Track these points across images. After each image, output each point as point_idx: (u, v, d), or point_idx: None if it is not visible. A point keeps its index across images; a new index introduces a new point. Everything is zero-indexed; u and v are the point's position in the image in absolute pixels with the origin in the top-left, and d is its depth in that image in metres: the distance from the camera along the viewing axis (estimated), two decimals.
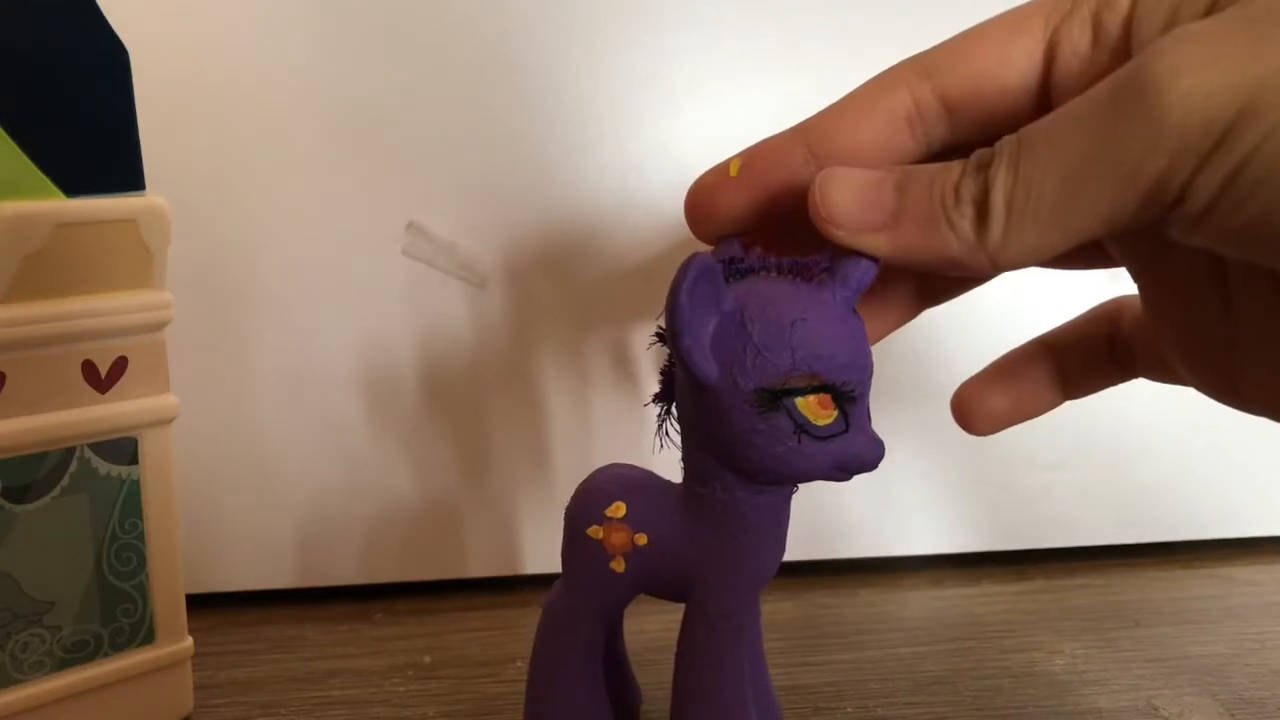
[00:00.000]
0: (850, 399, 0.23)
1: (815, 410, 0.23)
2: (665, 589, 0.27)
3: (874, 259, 0.23)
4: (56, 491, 0.28)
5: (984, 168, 0.21)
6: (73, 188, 0.28)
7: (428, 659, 0.36)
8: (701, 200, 0.25)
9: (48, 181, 0.28)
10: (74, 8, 0.28)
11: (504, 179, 0.40)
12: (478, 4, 0.39)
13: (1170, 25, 0.20)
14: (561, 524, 0.27)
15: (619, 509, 0.26)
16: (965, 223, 0.21)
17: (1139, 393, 0.43)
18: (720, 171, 0.25)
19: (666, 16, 0.40)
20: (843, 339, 0.23)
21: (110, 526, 0.29)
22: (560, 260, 0.40)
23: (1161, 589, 0.41)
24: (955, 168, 0.21)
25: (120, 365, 0.29)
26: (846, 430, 0.23)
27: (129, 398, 0.29)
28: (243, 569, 0.41)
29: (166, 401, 0.30)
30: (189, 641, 0.32)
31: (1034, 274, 0.25)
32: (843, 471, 0.23)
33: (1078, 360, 0.27)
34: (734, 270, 0.24)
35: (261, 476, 0.40)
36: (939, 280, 0.26)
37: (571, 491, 0.29)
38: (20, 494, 0.28)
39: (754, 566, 0.26)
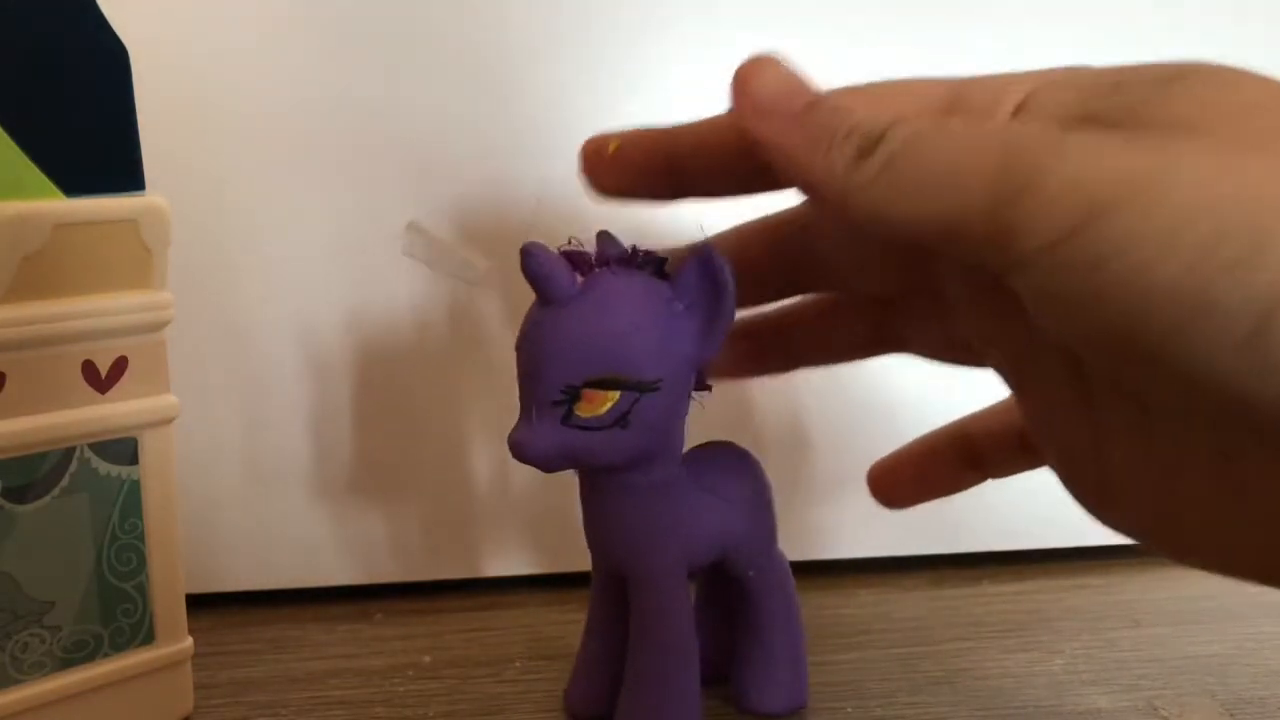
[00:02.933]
0: (520, 388, 0.27)
1: None
2: None
3: (714, 267, 0.26)
4: (56, 491, 0.28)
5: (882, 127, 0.21)
6: (73, 188, 0.28)
7: (428, 659, 0.36)
8: (586, 168, 0.28)
9: (48, 181, 0.28)
10: (74, 8, 0.28)
11: (504, 179, 0.40)
12: (478, 5, 0.39)
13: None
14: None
15: None
16: (840, 157, 0.22)
17: None
18: (600, 144, 0.28)
19: (667, 17, 0.40)
20: (520, 335, 0.27)
21: (110, 526, 0.29)
22: None
23: (1161, 589, 0.41)
24: (857, 113, 0.22)
25: (120, 365, 0.29)
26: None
27: (129, 398, 0.29)
28: (243, 569, 0.41)
29: (166, 401, 0.30)
30: (189, 641, 0.32)
31: None
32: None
33: (992, 446, 0.29)
34: (579, 262, 0.27)
35: (261, 476, 0.40)
36: (897, 329, 0.29)
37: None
38: (20, 494, 0.28)
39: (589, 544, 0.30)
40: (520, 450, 0.26)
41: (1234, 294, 0.17)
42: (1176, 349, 0.18)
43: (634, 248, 0.27)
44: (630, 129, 0.28)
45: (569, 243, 0.27)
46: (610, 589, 0.30)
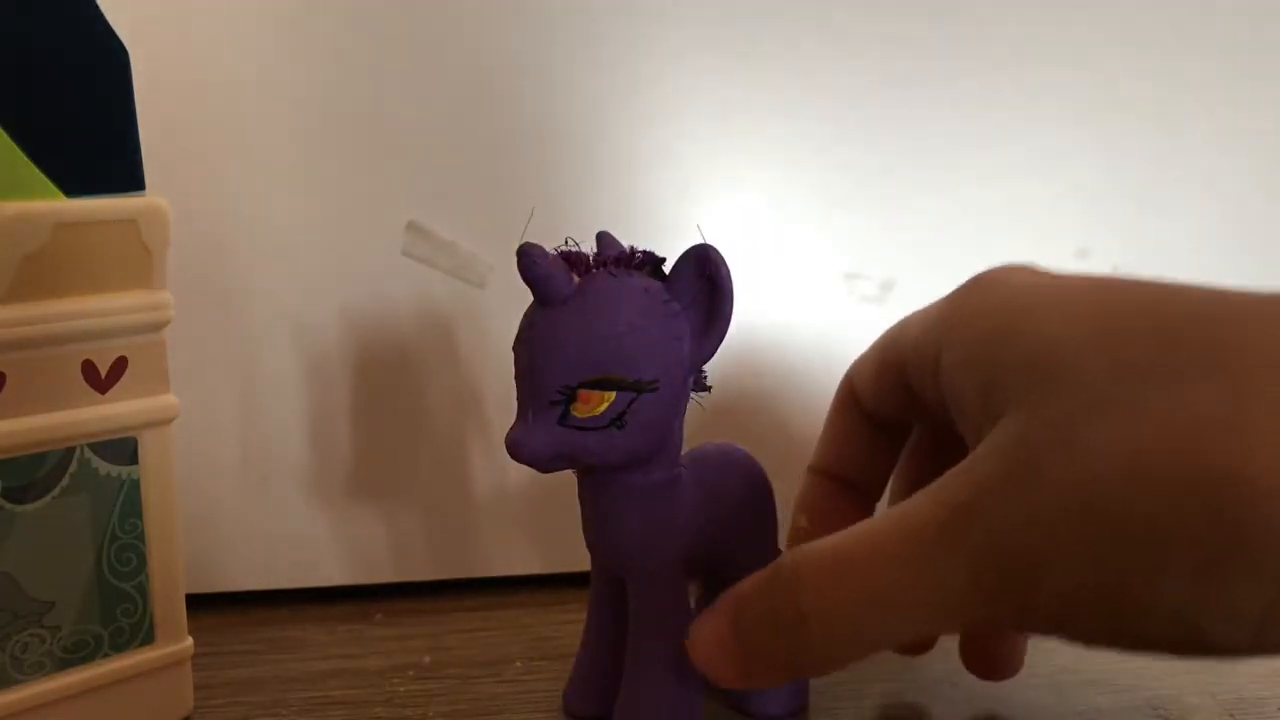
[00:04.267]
0: (518, 387, 0.27)
1: None
2: None
3: (711, 267, 0.26)
4: (56, 491, 0.28)
5: (795, 593, 0.23)
6: (73, 188, 0.28)
7: (428, 659, 0.36)
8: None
9: (48, 181, 0.28)
10: (74, 8, 0.28)
11: (504, 179, 0.40)
12: (479, 5, 0.39)
13: (959, 404, 0.24)
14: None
15: None
16: (783, 648, 0.23)
17: None
18: (796, 532, 0.30)
19: (668, 18, 0.40)
20: (517, 335, 0.27)
21: (110, 526, 0.29)
22: None
23: None
24: (765, 594, 0.24)
25: (120, 365, 0.29)
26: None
27: (129, 398, 0.29)
28: (243, 569, 0.41)
29: (166, 401, 0.30)
30: (189, 641, 0.32)
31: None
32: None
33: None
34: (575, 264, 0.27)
35: (261, 476, 0.40)
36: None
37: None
38: (20, 494, 0.28)
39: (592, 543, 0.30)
40: (516, 450, 0.26)
41: (1155, 610, 0.20)
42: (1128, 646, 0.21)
43: (632, 248, 0.27)
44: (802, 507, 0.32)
45: (566, 243, 0.27)
46: (609, 590, 0.30)
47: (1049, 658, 0.35)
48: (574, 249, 0.27)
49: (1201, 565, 0.18)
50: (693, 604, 0.30)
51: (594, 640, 0.31)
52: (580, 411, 0.25)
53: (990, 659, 0.31)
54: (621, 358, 0.25)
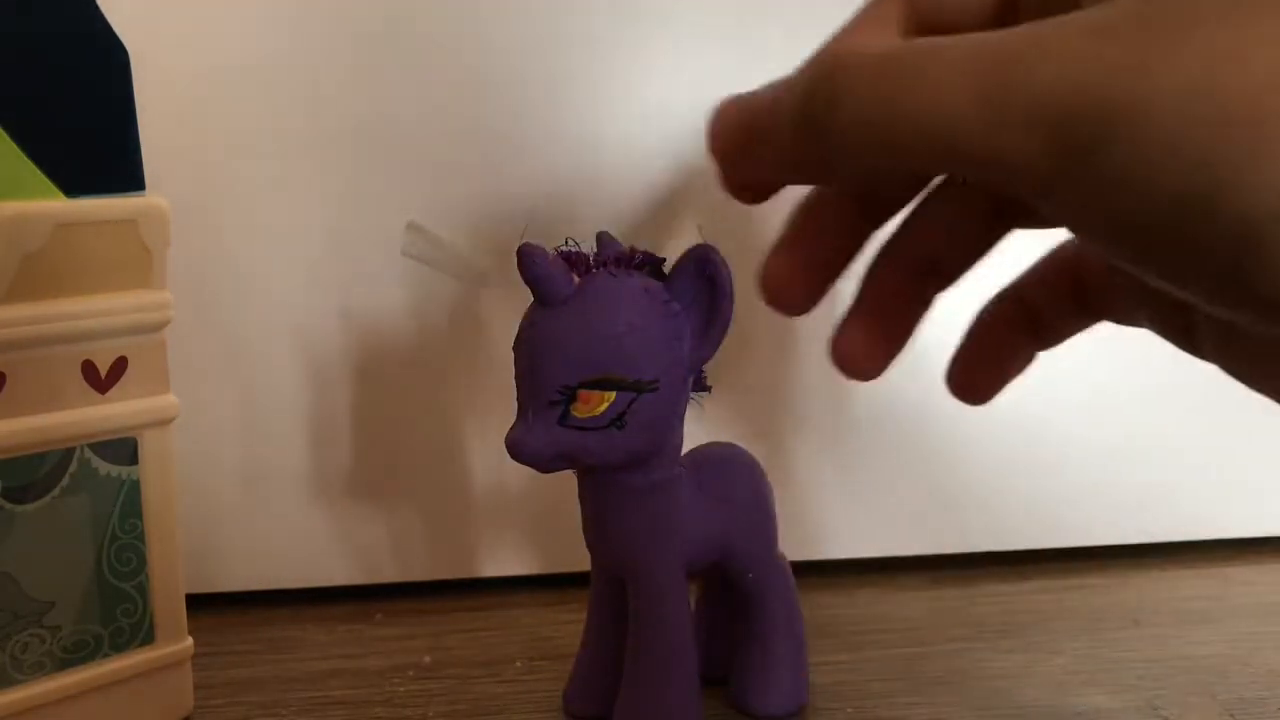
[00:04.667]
0: (517, 388, 0.27)
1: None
2: None
3: (711, 268, 0.26)
4: (56, 492, 0.28)
5: (834, 69, 0.21)
6: (73, 188, 0.28)
7: (428, 659, 0.36)
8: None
9: (48, 181, 0.28)
10: (74, 8, 0.28)
11: (504, 179, 0.40)
12: (479, 5, 0.39)
13: None
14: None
15: None
16: (815, 123, 0.21)
17: (1139, 393, 0.43)
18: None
19: (668, 19, 0.40)
20: (517, 336, 0.27)
21: (110, 526, 0.29)
22: None
23: (1161, 589, 0.41)
24: (804, 73, 0.22)
25: (120, 365, 0.29)
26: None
27: (129, 398, 0.29)
28: (243, 569, 0.41)
29: (166, 401, 0.30)
30: (189, 641, 0.32)
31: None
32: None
33: (1047, 309, 0.27)
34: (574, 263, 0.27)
35: (261, 476, 0.40)
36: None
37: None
38: (20, 494, 0.28)
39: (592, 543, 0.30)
40: (517, 450, 0.26)
41: (1216, 228, 0.17)
42: (1168, 275, 0.19)
43: (632, 249, 0.27)
44: None
45: (565, 243, 0.27)
46: (609, 590, 0.30)
47: (1049, 658, 0.35)
48: (574, 249, 0.27)
49: None
50: (692, 604, 0.30)
51: (594, 640, 0.31)
52: (580, 411, 0.25)
53: (981, 374, 0.28)
54: (621, 358, 0.25)
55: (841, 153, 0.21)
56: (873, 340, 0.26)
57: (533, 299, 0.27)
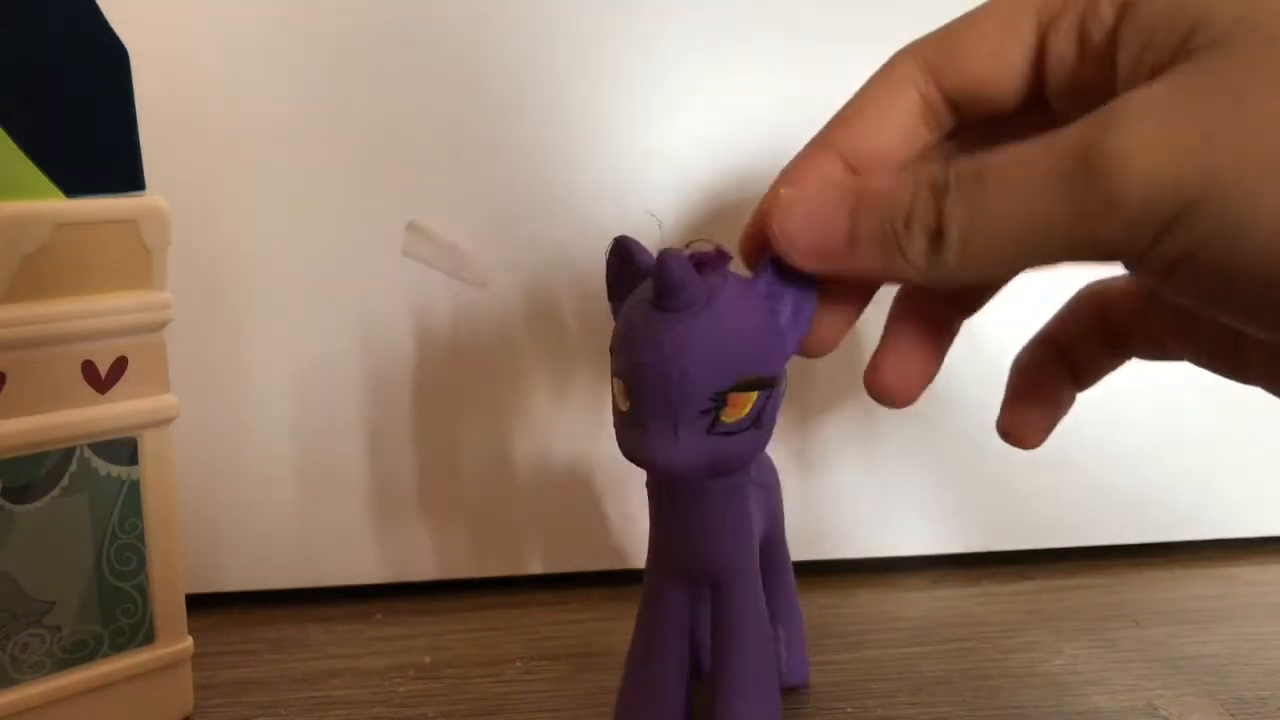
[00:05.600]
0: (634, 393, 0.25)
1: (618, 395, 0.25)
2: None
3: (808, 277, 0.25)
4: (56, 492, 0.28)
5: (939, 194, 0.21)
6: (73, 188, 0.28)
7: (428, 659, 0.36)
8: (759, 230, 0.25)
9: (48, 181, 0.28)
10: (74, 8, 0.28)
11: (504, 179, 0.40)
12: (478, 6, 0.39)
13: (1143, 57, 0.21)
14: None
15: None
16: (917, 250, 0.22)
17: (1139, 393, 0.43)
18: (772, 200, 0.25)
19: (668, 18, 0.40)
20: (631, 336, 0.25)
21: (110, 526, 0.29)
22: (560, 260, 0.40)
23: (1161, 589, 0.41)
24: (906, 191, 0.22)
25: (120, 365, 0.29)
26: (637, 422, 0.25)
27: (129, 398, 0.29)
28: (243, 569, 0.41)
29: (166, 401, 0.30)
30: (189, 641, 0.32)
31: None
32: (627, 458, 0.25)
33: (1079, 350, 0.28)
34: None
35: (261, 476, 0.40)
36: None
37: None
38: (20, 494, 0.28)
39: (666, 549, 0.28)
40: (669, 466, 0.24)
41: None
42: (1260, 322, 0.20)
43: (718, 248, 0.26)
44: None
45: (689, 246, 0.26)
46: (683, 600, 0.29)
47: (1049, 658, 0.35)
48: (706, 250, 0.26)
49: None
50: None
51: (658, 660, 0.29)
52: (729, 416, 0.24)
53: (1030, 421, 0.29)
54: (760, 356, 0.25)
55: (946, 267, 0.22)
56: (906, 371, 0.26)
57: (649, 306, 0.25)
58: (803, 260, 0.24)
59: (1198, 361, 0.26)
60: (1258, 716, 0.31)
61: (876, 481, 0.43)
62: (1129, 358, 0.27)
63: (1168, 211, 0.19)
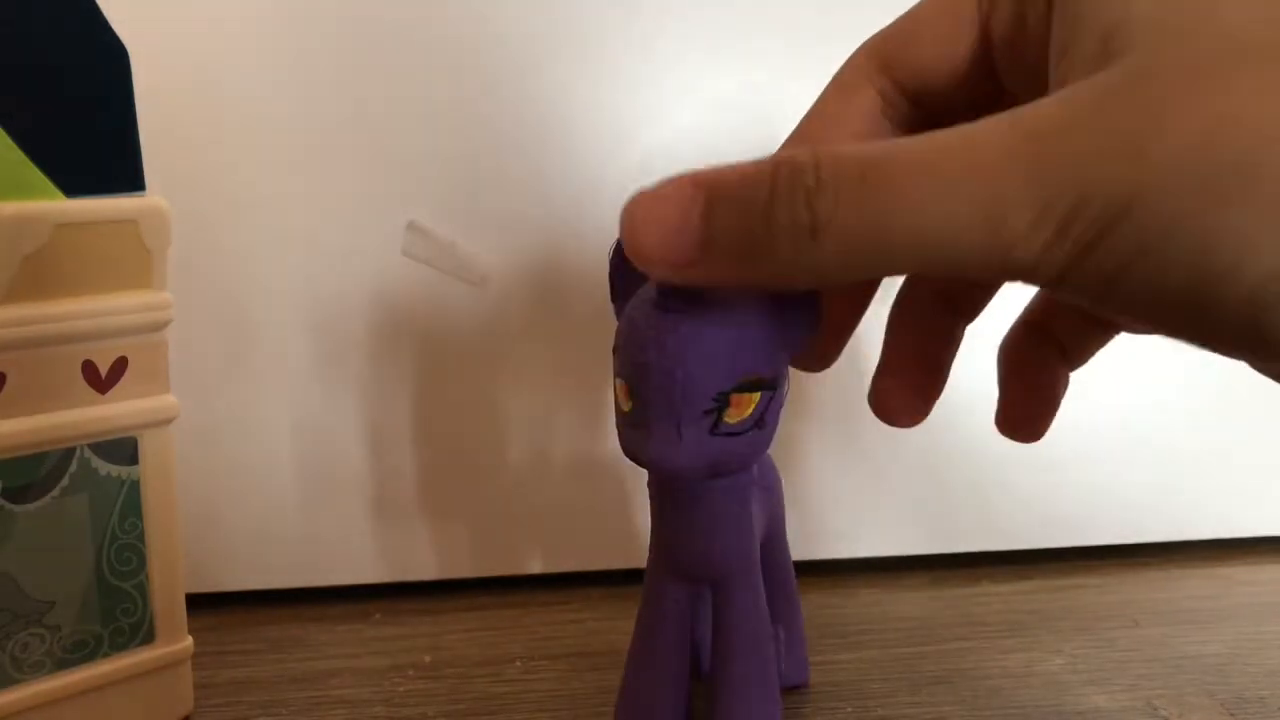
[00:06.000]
0: (637, 393, 0.24)
1: (620, 395, 0.25)
2: None
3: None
4: (56, 492, 0.28)
5: (808, 193, 0.19)
6: (73, 188, 0.28)
7: (428, 659, 0.36)
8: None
9: (48, 181, 0.28)
10: (74, 8, 0.28)
11: (504, 179, 0.40)
12: (478, 6, 0.39)
13: (1068, 54, 0.19)
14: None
15: None
16: (785, 252, 0.19)
17: (1139, 393, 0.43)
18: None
19: (667, 18, 0.40)
20: (633, 336, 0.25)
21: (110, 526, 0.29)
22: (560, 260, 0.40)
23: (1161, 589, 0.41)
24: (763, 185, 0.20)
25: (120, 365, 0.29)
26: (639, 422, 0.25)
27: (129, 398, 0.29)
28: (243, 569, 0.41)
29: (166, 401, 0.30)
30: (189, 641, 0.32)
31: None
32: (629, 458, 0.25)
33: (1063, 330, 0.26)
34: None
35: (261, 476, 0.40)
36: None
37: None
38: (20, 494, 0.28)
39: (668, 549, 0.28)
40: (670, 466, 0.24)
41: (1229, 299, 0.17)
42: (1191, 339, 0.18)
43: None
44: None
45: None
46: (683, 600, 0.29)
47: (1049, 658, 0.35)
48: None
49: None
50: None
51: (661, 660, 0.29)
52: (732, 417, 0.24)
53: (1028, 410, 0.27)
54: (763, 356, 0.24)
55: (823, 272, 0.20)
56: (910, 389, 0.26)
57: (652, 306, 0.25)
58: (655, 271, 0.21)
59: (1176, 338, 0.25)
60: (1258, 716, 0.31)
61: (876, 481, 0.43)
62: (1117, 331, 0.26)
63: (1089, 223, 0.17)
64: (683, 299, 0.24)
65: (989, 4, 0.22)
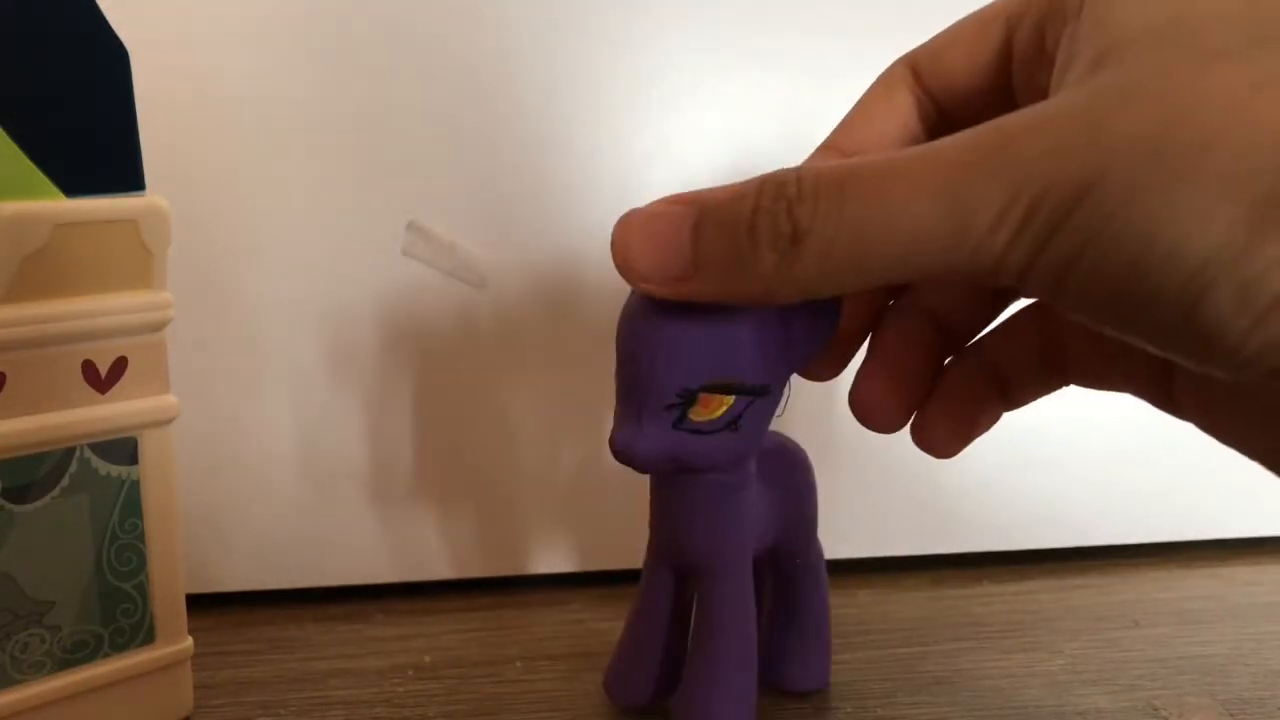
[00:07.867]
0: (617, 379, 0.25)
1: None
2: None
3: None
4: (56, 492, 0.28)
5: (790, 203, 0.20)
6: (73, 188, 0.28)
7: (428, 659, 0.36)
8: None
9: (48, 181, 0.28)
10: (74, 8, 0.28)
11: (504, 179, 0.40)
12: (478, 5, 0.39)
13: (1068, 66, 0.20)
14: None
15: None
16: (765, 266, 0.20)
17: None
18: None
19: (667, 18, 0.40)
20: (623, 324, 0.25)
21: (110, 526, 0.29)
22: (560, 260, 0.40)
23: (1161, 589, 0.41)
24: (749, 200, 0.20)
25: (120, 365, 0.29)
26: (616, 409, 0.26)
27: (129, 398, 0.29)
28: (243, 569, 0.41)
29: (166, 401, 0.30)
30: (189, 641, 0.32)
31: None
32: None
33: (1014, 370, 0.27)
34: None
35: (262, 477, 0.40)
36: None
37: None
38: (20, 494, 0.28)
39: (654, 533, 0.29)
40: (627, 454, 0.25)
41: (1168, 287, 0.18)
42: (1134, 334, 0.19)
43: None
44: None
45: None
46: (669, 582, 0.30)
47: (1049, 658, 0.35)
48: None
49: (1258, 222, 0.16)
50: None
51: (645, 627, 0.30)
52: (698, 415, 0.25)
53: (949, 430, 0.27)
54: (745, 361, 0.25)
55: (804, 283, 0.20)
56: (890, 396, 0.26)
57: (642, 297, 0.25)
58: (647, 287, 0.22)
59: (1136, 393, 0.25)
60: (1258, 716, 0.31)
61: (876, 481, 0.43)
62: (1066, 383, 0.26)
63: (1048, 217, 0.18)
64: None
65: (1015, 26, 0.23)
